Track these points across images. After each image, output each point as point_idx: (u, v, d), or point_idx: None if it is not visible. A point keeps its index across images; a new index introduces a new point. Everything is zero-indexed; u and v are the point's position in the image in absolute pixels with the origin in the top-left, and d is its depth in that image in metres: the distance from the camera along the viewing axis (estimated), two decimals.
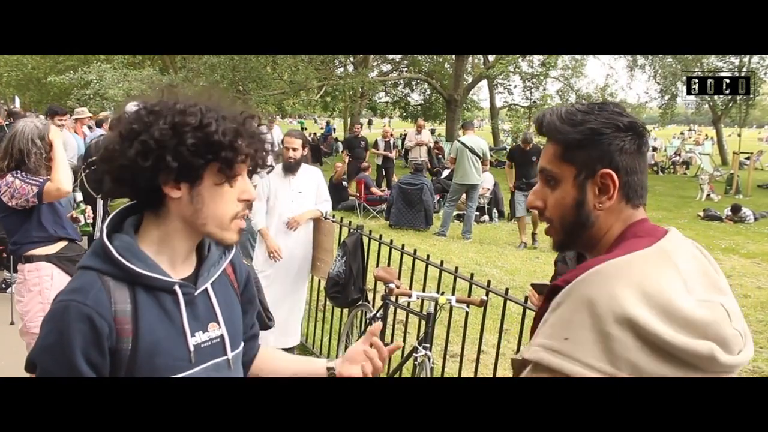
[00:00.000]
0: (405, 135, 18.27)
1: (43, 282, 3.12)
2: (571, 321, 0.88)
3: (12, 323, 3.80)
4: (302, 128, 28.38)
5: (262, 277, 4.43)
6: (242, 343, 1.34)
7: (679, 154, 22.81)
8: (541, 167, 1.09)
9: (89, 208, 3.49)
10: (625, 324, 0.84)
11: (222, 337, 1.24)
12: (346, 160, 12.44)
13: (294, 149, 4.37)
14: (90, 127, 8.50)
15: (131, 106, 1.16)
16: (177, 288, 1.16)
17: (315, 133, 27.99)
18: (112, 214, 1.22)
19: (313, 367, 1.40)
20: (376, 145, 14.21)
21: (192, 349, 1.17)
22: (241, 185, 1.18)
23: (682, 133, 24.17)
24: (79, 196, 3.53)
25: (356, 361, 1.33)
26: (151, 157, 1.08)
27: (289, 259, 4.45)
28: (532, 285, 1.70)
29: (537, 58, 18.26)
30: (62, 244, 3.21)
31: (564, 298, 0.91)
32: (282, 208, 4.41)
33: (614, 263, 0.91)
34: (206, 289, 1.23)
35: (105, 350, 1.08)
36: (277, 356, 1.50)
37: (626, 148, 1.01)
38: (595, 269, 0.90)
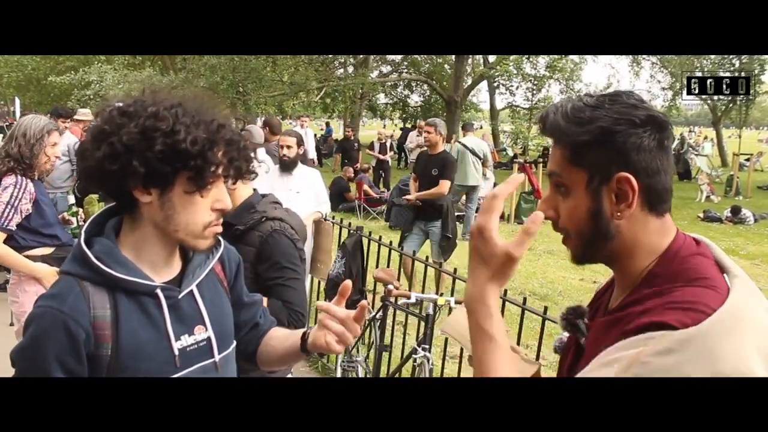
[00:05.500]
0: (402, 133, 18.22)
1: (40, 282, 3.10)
2: (688, 373, 0.78)
3: (12, 324, 3.80)
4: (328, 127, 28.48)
5: None
6: (233, 343, 1.32)
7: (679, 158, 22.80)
8: (550, 171, 0.96)
9: (81, 210, 3.47)
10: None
11: (209, 339, 1.22)
12: (351, 170, 12.38)
13: (288, 147, 4.42)
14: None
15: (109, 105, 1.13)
16: (159, 291, 1.14)
17: (315, 134, 27.97)
18: (91, 217, 1.21)
19: (295, 337, 1.34)
20: (372, 146, 14.21)
21: (177, 353, 1.15)
22: (215, 194, 1.14)
23: (681, 134, 24.13)
24: (72, 199, 3.51)
25: (324, 325, 1.21)
26: (118, 161, 1.05)
27: None
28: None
29: (540, 60, 18.23)
30: (55, 246, 3.15)
31: (682, 346, 0.78)
32: None
33: (728, 313, 0.80)
34: (192, 291, 1.21)
35: (82, 357, 1.07)
36: (268, 342, 1.43)
37: (644, 145, 0.88)
38: (716, 319, 0.80)
